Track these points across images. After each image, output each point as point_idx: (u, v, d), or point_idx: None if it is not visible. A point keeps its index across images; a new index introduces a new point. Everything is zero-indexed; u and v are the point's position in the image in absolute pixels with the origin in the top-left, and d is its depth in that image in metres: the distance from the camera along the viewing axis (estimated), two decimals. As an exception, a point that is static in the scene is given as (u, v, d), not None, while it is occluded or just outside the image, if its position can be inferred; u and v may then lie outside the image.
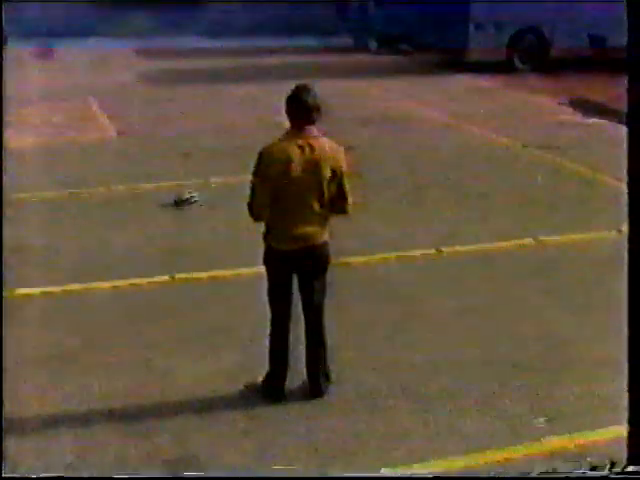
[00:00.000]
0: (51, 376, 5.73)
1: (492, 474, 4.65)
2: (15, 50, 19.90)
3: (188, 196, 9.41)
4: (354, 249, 7.72)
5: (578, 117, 14.27)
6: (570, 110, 14.81)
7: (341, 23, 24.69)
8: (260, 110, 14.13)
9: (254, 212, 5.17)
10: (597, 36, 18.28)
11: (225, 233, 8.42)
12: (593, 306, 6.76)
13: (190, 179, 10.29)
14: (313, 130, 5.12)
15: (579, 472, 4.51)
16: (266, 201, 5.12)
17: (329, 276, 5.39)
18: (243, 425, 5.15)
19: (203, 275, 7.40)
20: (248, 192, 5.19)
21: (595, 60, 18.08)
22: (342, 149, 5.26)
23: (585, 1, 17.67)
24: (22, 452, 4.84)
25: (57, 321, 6.56)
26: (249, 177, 5.20)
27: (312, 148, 5.08)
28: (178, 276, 7.36)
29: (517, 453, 4.85)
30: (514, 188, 9.98)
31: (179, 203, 9.34)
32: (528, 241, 8.19)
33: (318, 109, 5.10)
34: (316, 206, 5.15)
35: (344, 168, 5.19)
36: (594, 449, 4.82)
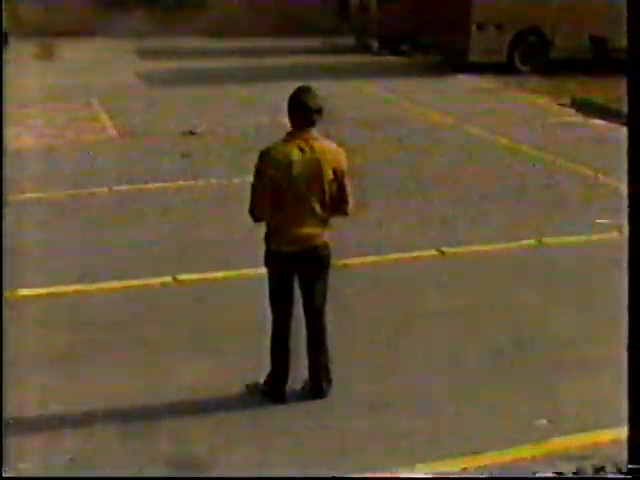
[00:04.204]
0: (52, 376, 5.73)
1: (494, 475, 4.64)
2: (16, 50, 19.94)
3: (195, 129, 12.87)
4: (355, 250, 7.71)
5: (579, 118, 14.26)
6: (571, 111, 14.81)
7: (343, 23, 24.69)
8: (261, 111, 14.13)
9: (254, 213, 5.18)
10: (598, 37, 18.26)
11: (227, 234, 8.41)
12: (593, 306, 6.76)
13: (191, 179, 10.32)
14: (314, 131, 5.13)
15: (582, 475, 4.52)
16: (266, 202, 5.12)
17: (330, 277, 5.39)
18: (244, 425, 5.15)
19: (205, 276, 7.39)
20: (249, 193, 5.20)
21: (596, 61, 18.07)
22: (343, 150, 5.26)
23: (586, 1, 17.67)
24: (22, 452, 4.84)
25: (58, 322, 6.56)
26: (250, 178, 5.21)
27: (313, 149, 5.08)
28: (180, 277, 7.36)
29: (519, 454, 4.84)
30: (514, 188, 9.98)
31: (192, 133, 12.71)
32: (529, 241, 8.19)
33: (319, 111, 5.11)
34: (317, 207, 5.15)
35: (345, 169, 5.19)
36: (596, 450, 4.82)
